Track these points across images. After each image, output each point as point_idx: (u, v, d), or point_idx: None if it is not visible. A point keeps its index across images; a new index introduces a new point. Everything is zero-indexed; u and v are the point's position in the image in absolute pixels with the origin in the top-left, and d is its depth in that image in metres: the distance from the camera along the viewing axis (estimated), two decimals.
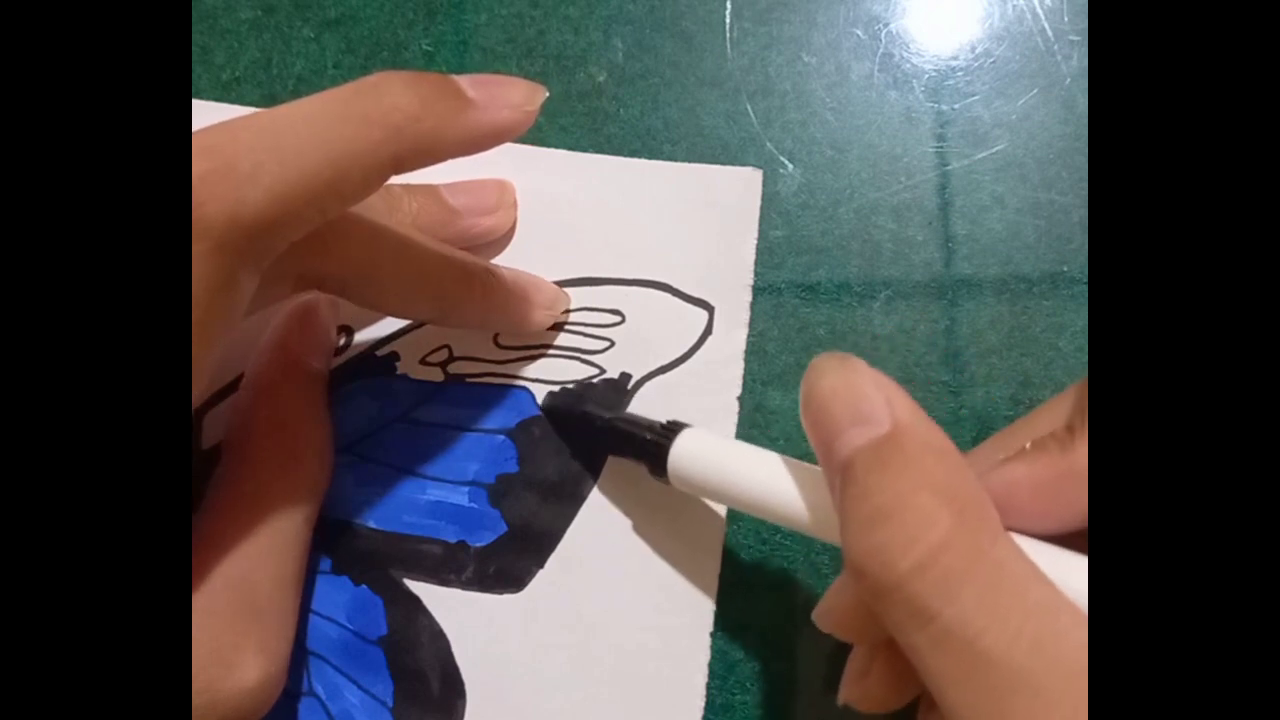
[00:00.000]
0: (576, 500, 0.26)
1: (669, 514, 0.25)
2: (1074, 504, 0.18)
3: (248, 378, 0.25)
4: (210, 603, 0.21)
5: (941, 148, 0.28)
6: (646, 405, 0.26)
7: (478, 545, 0.26)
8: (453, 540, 0.26)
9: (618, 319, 0.27)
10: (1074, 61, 0.28)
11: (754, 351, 0.27)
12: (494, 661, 0.25)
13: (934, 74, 0.28)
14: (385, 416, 0.27)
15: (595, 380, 0.26)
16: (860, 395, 0.18)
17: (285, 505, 0.23)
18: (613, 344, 0.27)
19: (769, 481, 0.21)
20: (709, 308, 0.27)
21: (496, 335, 0.27)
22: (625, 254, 0.27)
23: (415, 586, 0.26)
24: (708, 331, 0.26)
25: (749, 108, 0.28)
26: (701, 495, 0.24)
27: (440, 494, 0.26)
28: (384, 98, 0.19)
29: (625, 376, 0.26)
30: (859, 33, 0.28)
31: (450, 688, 0.25)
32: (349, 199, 0.19)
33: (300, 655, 0.26)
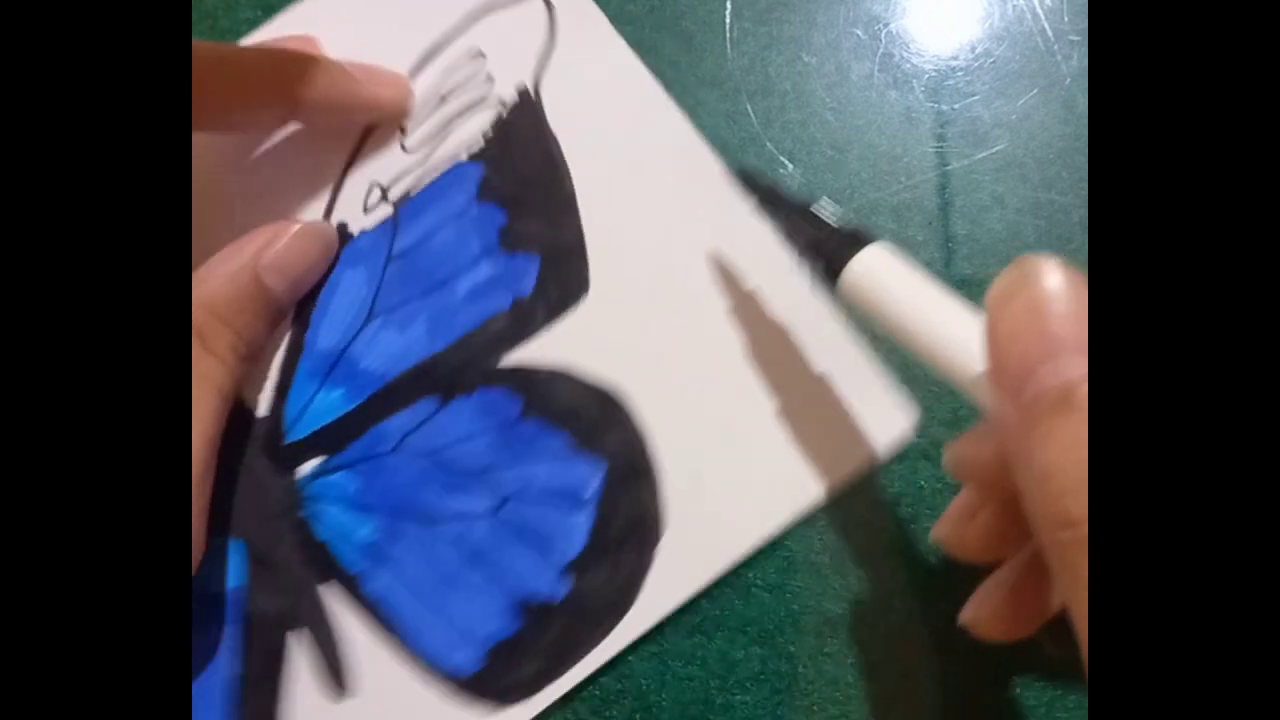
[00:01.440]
0: (567, 202, 0.27)
1: None
2: None
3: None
4: None
5: (941, 148, 0.28)
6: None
7: (527, 292, 0.27)
8: (508, 304, 0.26)
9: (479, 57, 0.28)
10: (1074, 61, 0.28)
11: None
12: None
13: (934, 74, 0.28)
14: (376, 271, 0.27)
15: None
16: (1049, 330, 0.16)
17: (198, 379, 0.24)
18: (492, 79, 0.28)
19: (945, 327, 0.19)
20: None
21: (402, 140, 0.28)
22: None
23: (509, 359, 0.26)
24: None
25: (749, 108, 0.28)
26: (867, 316, 0.22)
27: (468, 282, 0.27)
28: None
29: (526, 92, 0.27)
30: (859, 33, 0.28)
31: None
32: None
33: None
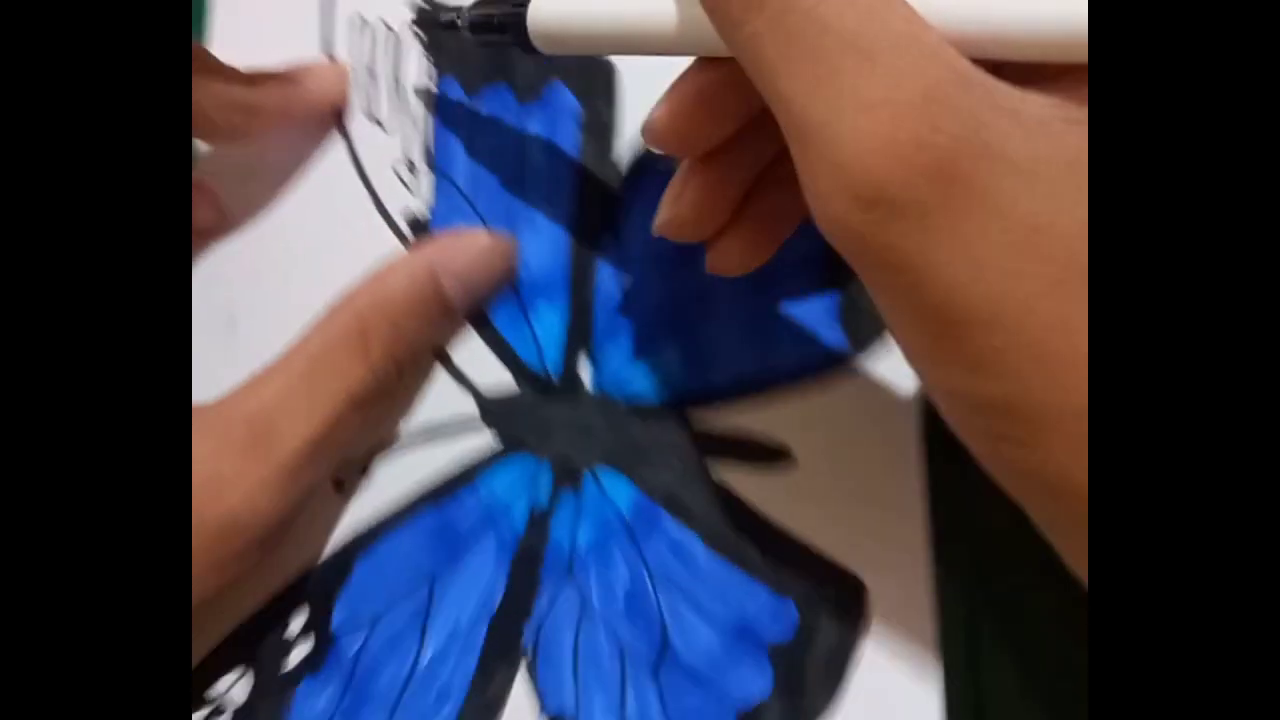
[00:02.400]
0: None
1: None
2: None
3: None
4: (226, 432, 0.22)
5: None
6: None
7: (577, 112, 0.27)
8: (573, 130, 0.27)
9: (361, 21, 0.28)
10: None
11: None
12: None
13: None
14: (471, 217, 0.27)
15: None
16: None
17: (336, 375, 0.23)
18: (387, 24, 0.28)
19: (637, 9, 0.20)
20: None
21: (382, 128, 0.27)
22: None
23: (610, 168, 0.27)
24: None
25: None
26: (575, 51, 0.23)
27: (536, 149, 0.27)
28: None
29: None
30: None
31: None
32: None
33: None
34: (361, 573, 0.25)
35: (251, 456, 0.22)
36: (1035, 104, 0.16)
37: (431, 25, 0.27)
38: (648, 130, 0.21)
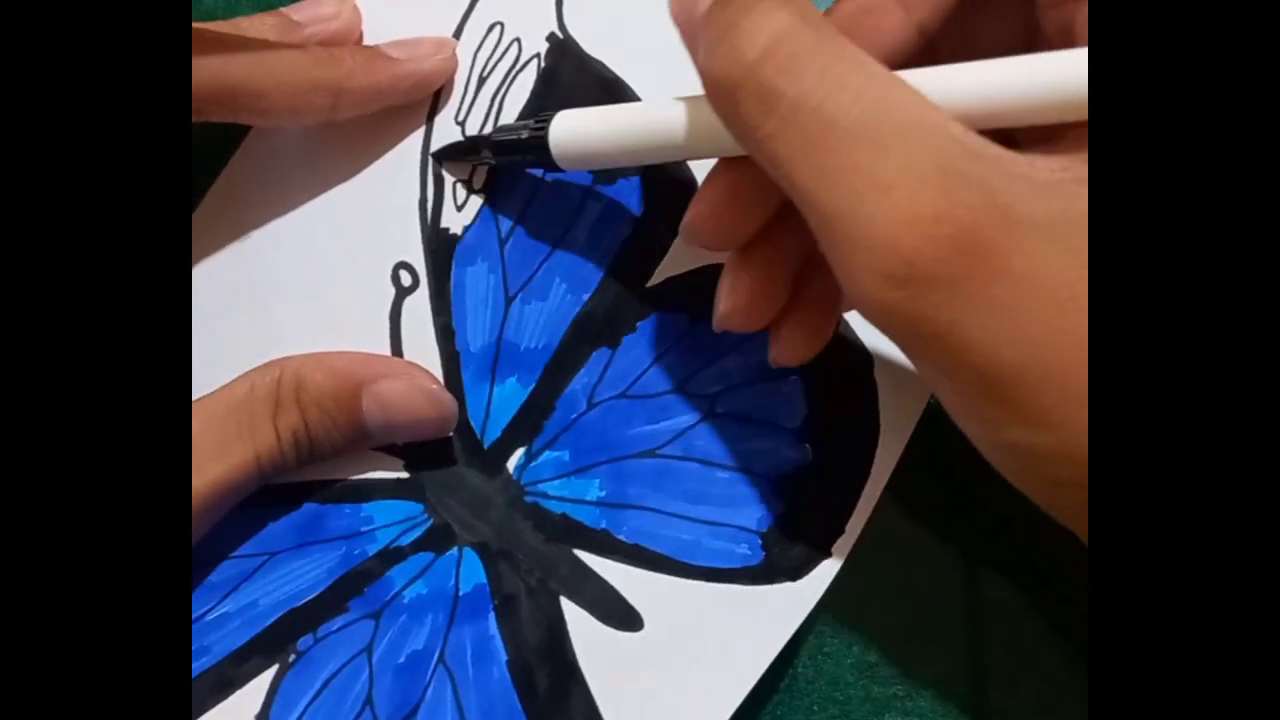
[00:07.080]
0: None
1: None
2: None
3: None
4: None
5: None
6: None
7: (639, 210, 0.27)
8: (629, 230, 0.27)
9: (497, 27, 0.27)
10: None
11: None
12: None
13: None
14: (495, 259, 0.27)
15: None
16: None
17: (247, 432, 0.24)
18: (519, 41, 0.27)
19: (653, 121, 0.21)
20: None
21: (463, 132, 0.27)
22: None
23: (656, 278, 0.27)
24: None
25: None
26: (597, 166, 0.25)
27: (583, 229, 0.27)
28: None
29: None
30: None
31: None
32: None
33: None
34: (225, 526, 0.25)
35: None
36: (1044, 167, 0.16)
37: (455, 154, 0.27)
38: (686, 230, 0.22)
